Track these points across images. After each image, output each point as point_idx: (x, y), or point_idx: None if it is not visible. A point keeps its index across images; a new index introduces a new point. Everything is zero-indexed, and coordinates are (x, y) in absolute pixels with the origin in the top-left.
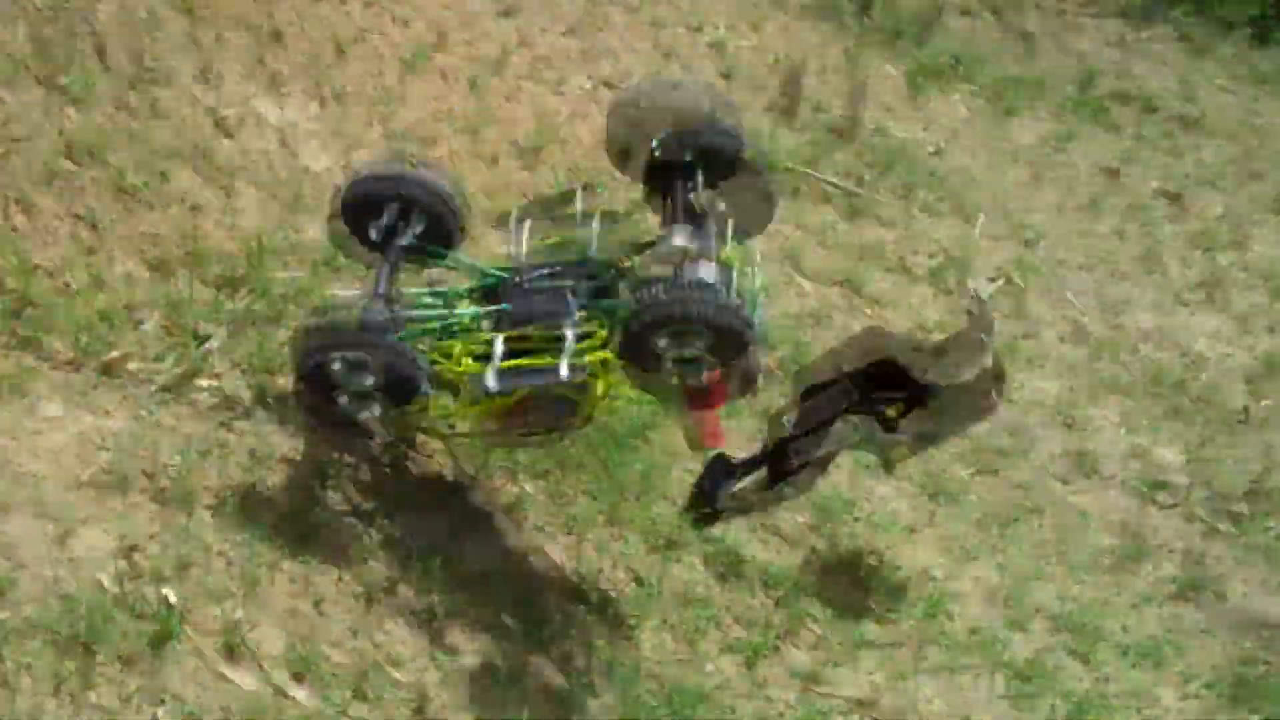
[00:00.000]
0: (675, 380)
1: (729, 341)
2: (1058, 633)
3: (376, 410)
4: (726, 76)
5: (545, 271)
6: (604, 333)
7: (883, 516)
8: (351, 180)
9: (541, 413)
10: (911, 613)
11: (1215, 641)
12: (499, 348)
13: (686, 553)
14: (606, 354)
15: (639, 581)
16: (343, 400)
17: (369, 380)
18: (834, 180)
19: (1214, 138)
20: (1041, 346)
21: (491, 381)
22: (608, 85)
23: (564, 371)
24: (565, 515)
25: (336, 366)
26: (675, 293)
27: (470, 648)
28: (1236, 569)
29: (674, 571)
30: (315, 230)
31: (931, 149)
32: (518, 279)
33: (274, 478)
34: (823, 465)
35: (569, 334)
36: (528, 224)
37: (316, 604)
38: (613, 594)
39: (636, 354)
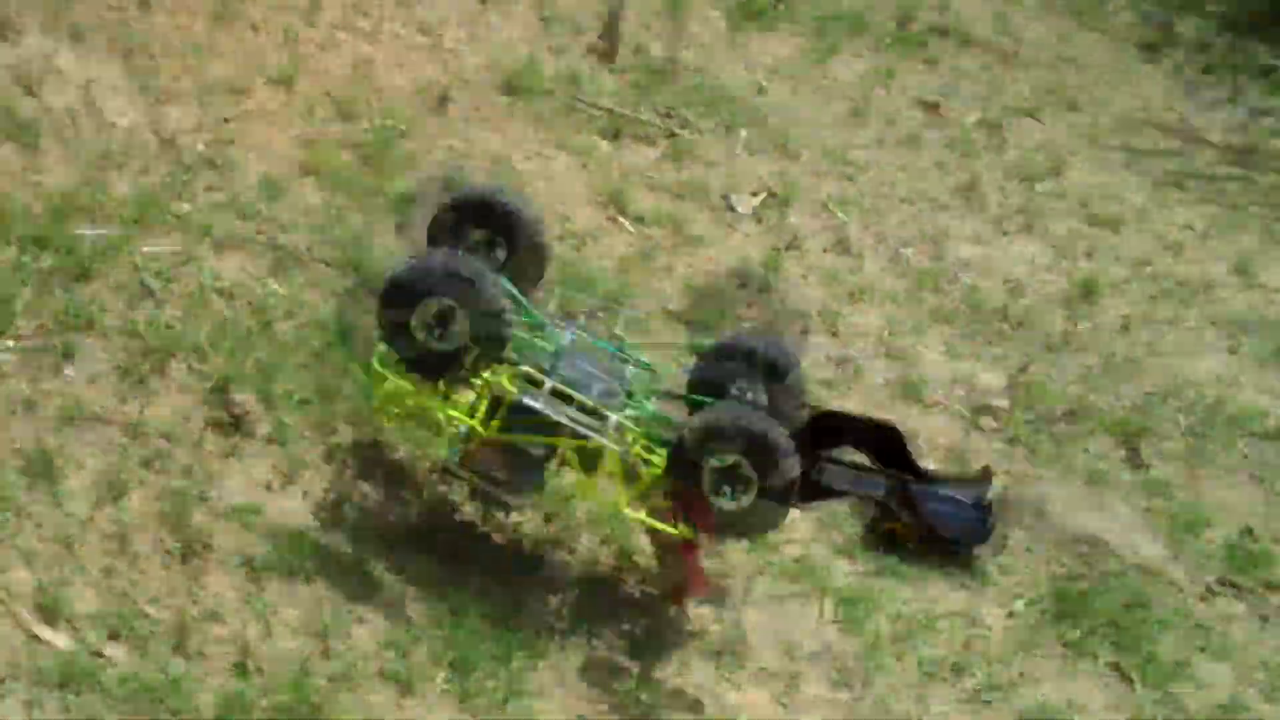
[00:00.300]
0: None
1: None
2: (882, 557)
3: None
4: (545, 20)
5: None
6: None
7: None
8: (454, 196)
9: (511, 466)
10: (738, 544)
11: (1038, 559)
12: (549, 384)
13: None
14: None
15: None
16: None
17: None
18: (656, 121)
19: (1031, 70)
20: (864, 279)
21: (531, 401)
22: (423, 32)
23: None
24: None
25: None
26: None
27: (290, 600)
28: (1057, 488)
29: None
30: (124, 186)
31: (753, 88)
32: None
33: (85, 435)
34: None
35: (612, 418)
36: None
37: (132, 562)
38: (440, 538)
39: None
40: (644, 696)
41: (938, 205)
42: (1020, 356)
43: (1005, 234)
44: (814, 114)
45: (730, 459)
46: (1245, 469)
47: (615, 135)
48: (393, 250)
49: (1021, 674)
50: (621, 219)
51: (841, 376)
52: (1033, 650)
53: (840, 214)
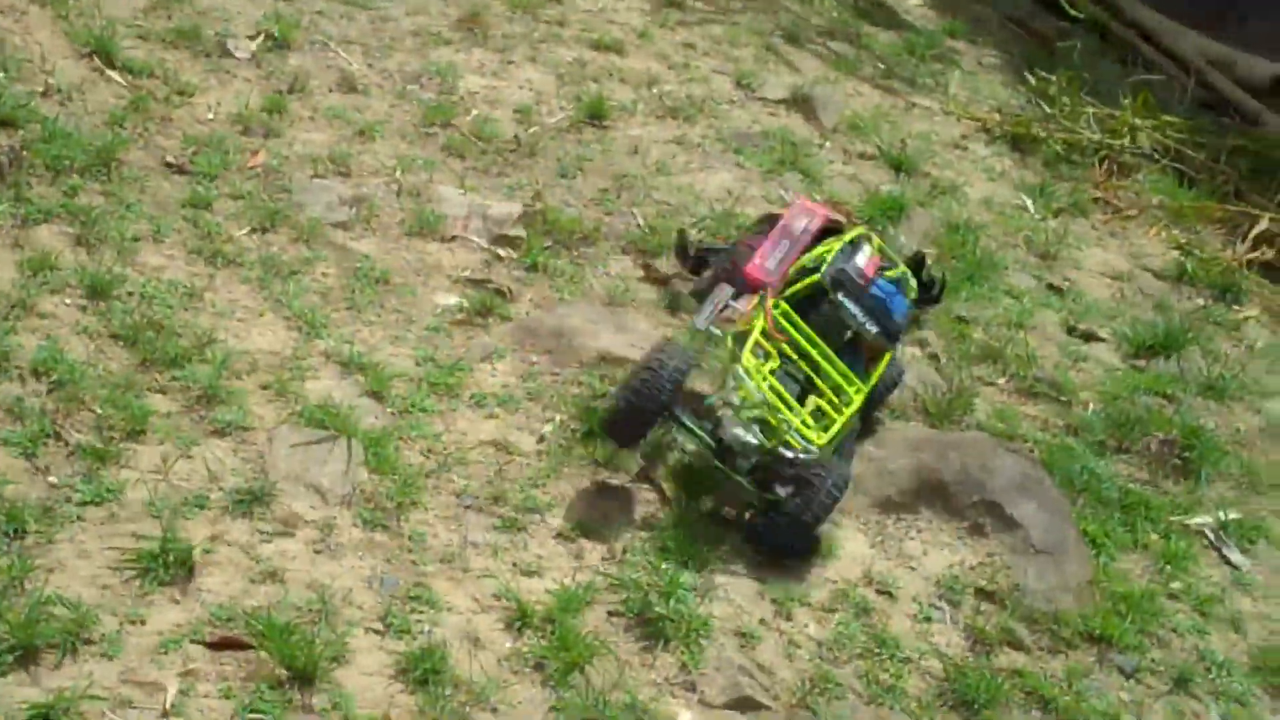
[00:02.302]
0: None
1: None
2: (353, 374)
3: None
4: None
5: None
6: None
7: (157, 287)
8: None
9: None
10: (196, 379)
11: (562, 381)
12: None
13: None
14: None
15: None
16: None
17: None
18: None
19: None
20: (373, 117)
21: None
22: None
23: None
24: None
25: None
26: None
27: None
28: (578, 310)
29: None
30: None
31: None
32: None
33: None
34: None
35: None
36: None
37: None
38: None
39: None
40: (172, 556)
41: (441, 40)
42: (534, 184)
43: (511, 64)
44: None
45: None
46: None
47: None
48: None
49: (556, 496)
50: (109, 71)
51: (357, 216)
52: (564, 471)
53: (344, 53)
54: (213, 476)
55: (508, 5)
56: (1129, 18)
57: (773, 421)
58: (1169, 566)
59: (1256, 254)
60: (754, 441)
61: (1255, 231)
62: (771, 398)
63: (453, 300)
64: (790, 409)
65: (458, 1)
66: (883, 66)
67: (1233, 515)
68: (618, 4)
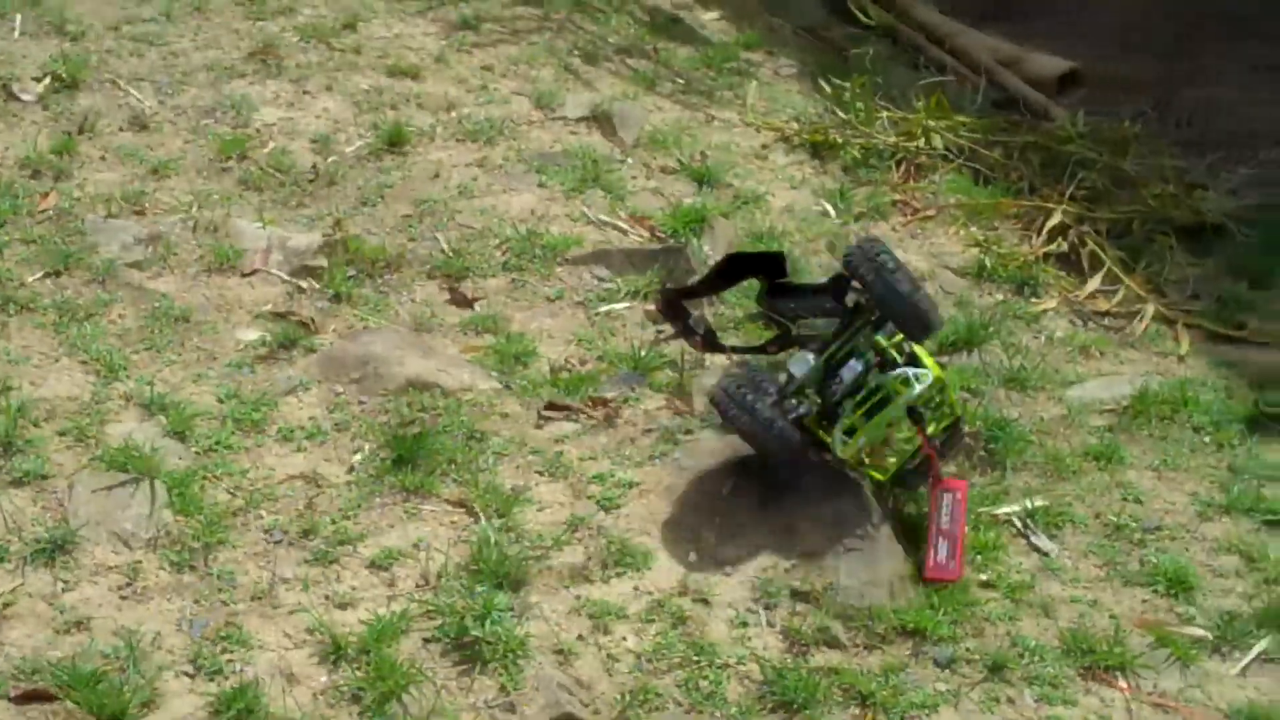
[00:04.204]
0: None
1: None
2: (155, 415)
3: None
4: None
5: None
6: None
7: None
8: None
9: None
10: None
11: (370, 411)
12: None
13: None
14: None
15: None
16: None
17: None
18: None
19: None
20: (167, 154)
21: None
22: None
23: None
24: None
25: None
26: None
27: None
28: (384, 338)
29: None
30: None
31: None
32: None
33: None
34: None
35: None
36: None
37: None
38: None
39: None
40: None
41: (235, 73)
42: (334, 214)
43: (307, 94)
44: None
45: None
46: (564, 294)
47: None
48: None
49: (368, 525)
50: None
51: (153, 255)
52: (375, 501)
53: (135, 91)
54: (12, 527)
55: (301, 35)
56: (918, 21)
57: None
58: (979, 557)
59: (1052, 247)
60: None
61: (1049, 225)
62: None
63: (255, 335)
64: None
65: (250, 33)
66: (681, 81)
67: (1039, 503)
68: (413, 29)
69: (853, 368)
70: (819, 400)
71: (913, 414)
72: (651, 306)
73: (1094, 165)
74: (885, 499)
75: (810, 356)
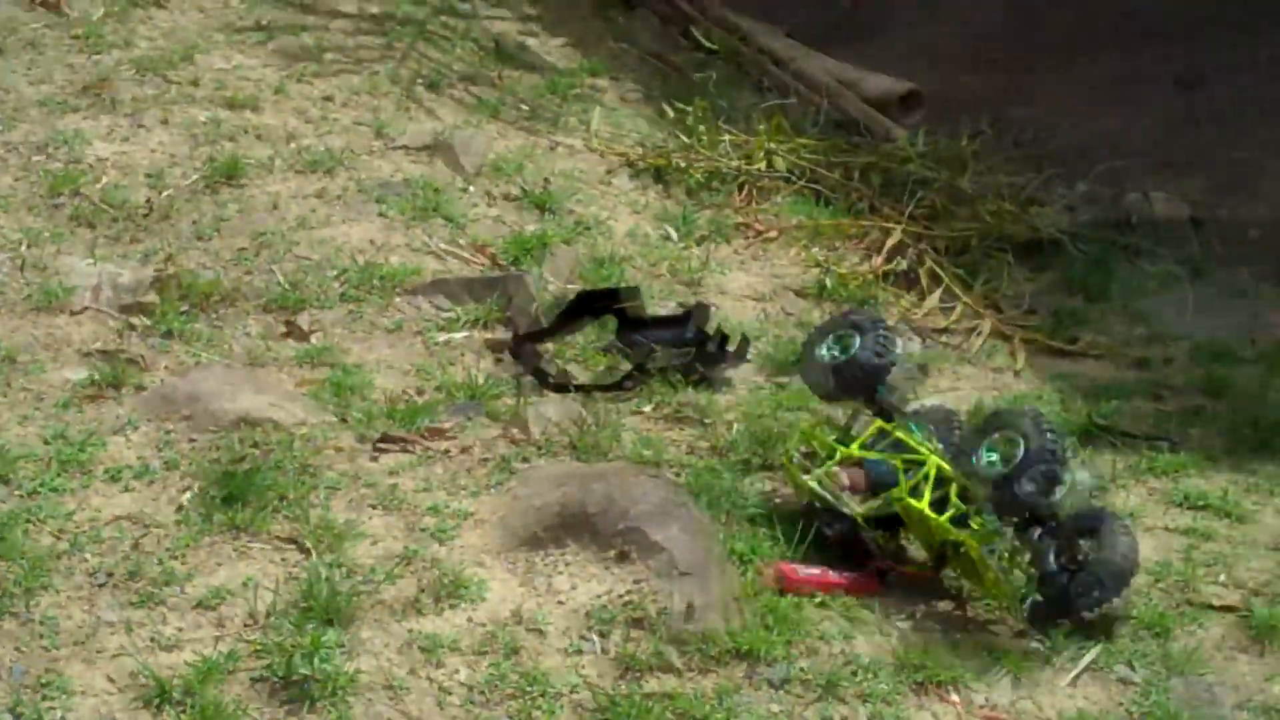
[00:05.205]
0: None
1: None
2: None
3: None
4: None
5: None
6: None
7: None
8: None
9: None
10: None
11: (201, 449)
12: None
13: None
14: None
15: None
16: None
17: None
18: None
19: None
20: None
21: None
22: None
23: None
24: None
25: None
26: None
27: None
28: (216, 374)
29: None
30: None
31: None
32: None
33: None
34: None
35: None
36: None
37: None
38: None
39: None
40: None
41: (68, 107)
42: (167, 249)
43: (142, 128)
44: None
45: None
46: (403, 325)
47: None
48: None
49: (196, 565)
50: None
51: None
52: (204, 540)
53: None
54: None
55: (137, 68)
56: (760, 45)
57: None
58: None
59: (891, 265)
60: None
61: (889, 244)
62: None
63: (83, 374)
64: None
65: (85, 67)
66: (526, 108)
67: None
68: (252, 60)
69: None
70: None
71: None
72: (490, 335)
73: (933, 184)
74: (716, 524)
75: None
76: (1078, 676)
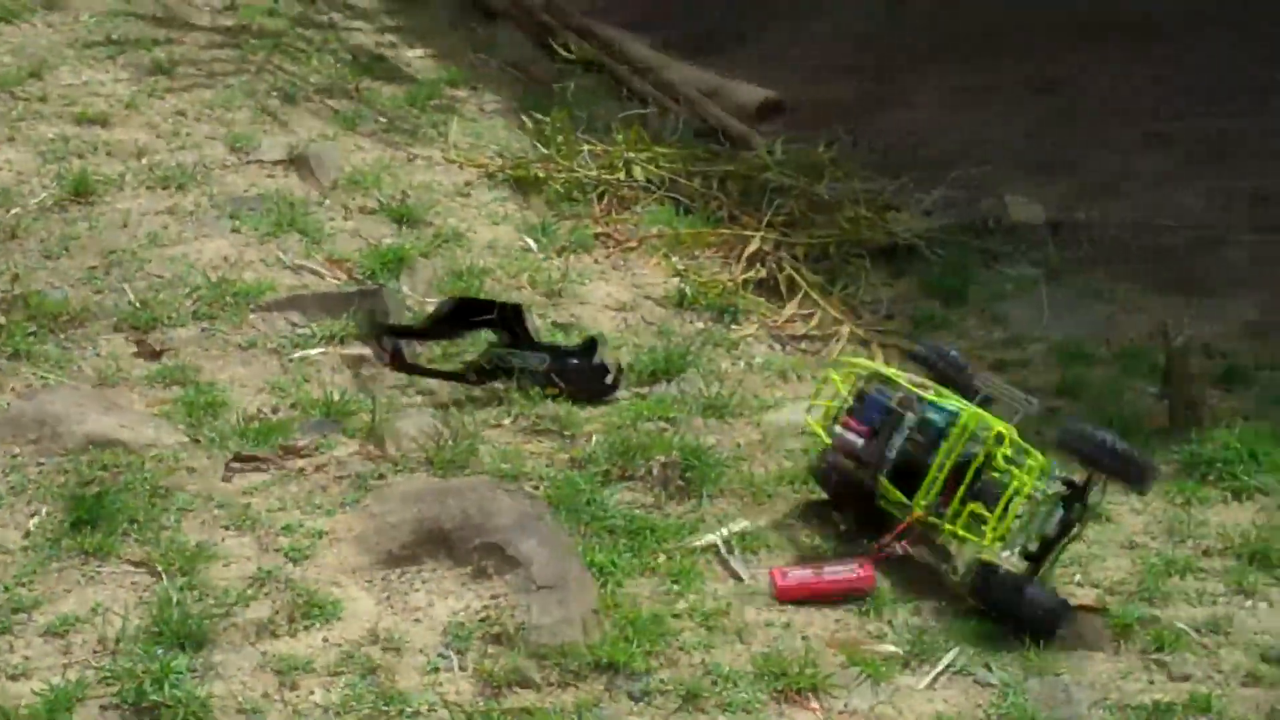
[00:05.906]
0: None
1: None
2: None
3: None
4: None
5: None
6: None
7: None
8: None
9: None
10: None
11: (49, 472)
12: None
13: None
14: None
15: None
16: None
17: None
18: None
19: None
20: None
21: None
22: None
23: None
24: None
25: None
26: None
27: None
28: (65, 396)
29: None
30: None
31: None
32: None
33: None
34: None
35: None
36: None
37: None
38: None
39: None
40: None
41: None
42: (13, 269)
43: None
44: None
45: None
46: (257, 342)
47: None
48: None
49: (44, 592)
50: None
51: None
52: (52, 565)
53: None
54: None
55: (50, 103)
56: (622, 54)
57: None
58: (676, 586)
59: (751, 273)
60: None
61: (748, 252)
62: None
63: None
64: None
65: (3, 101)
66: (384, 120)
67: (735, 528)
68: (103, 75)
69: None
70: None
71: None
72: (347, 352)
73: (791, 191)
74: (575, 536)
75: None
76: (935, 679)
